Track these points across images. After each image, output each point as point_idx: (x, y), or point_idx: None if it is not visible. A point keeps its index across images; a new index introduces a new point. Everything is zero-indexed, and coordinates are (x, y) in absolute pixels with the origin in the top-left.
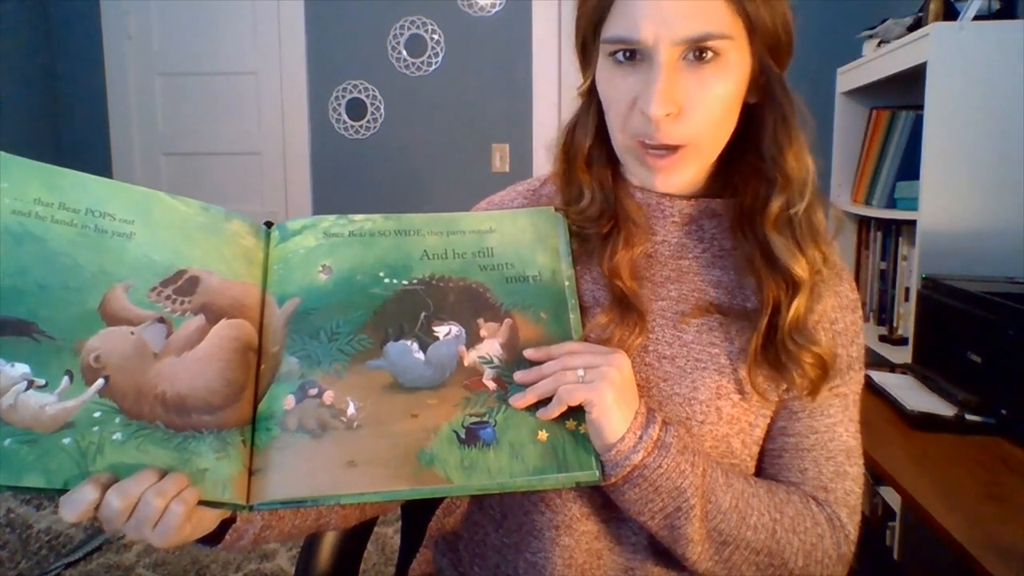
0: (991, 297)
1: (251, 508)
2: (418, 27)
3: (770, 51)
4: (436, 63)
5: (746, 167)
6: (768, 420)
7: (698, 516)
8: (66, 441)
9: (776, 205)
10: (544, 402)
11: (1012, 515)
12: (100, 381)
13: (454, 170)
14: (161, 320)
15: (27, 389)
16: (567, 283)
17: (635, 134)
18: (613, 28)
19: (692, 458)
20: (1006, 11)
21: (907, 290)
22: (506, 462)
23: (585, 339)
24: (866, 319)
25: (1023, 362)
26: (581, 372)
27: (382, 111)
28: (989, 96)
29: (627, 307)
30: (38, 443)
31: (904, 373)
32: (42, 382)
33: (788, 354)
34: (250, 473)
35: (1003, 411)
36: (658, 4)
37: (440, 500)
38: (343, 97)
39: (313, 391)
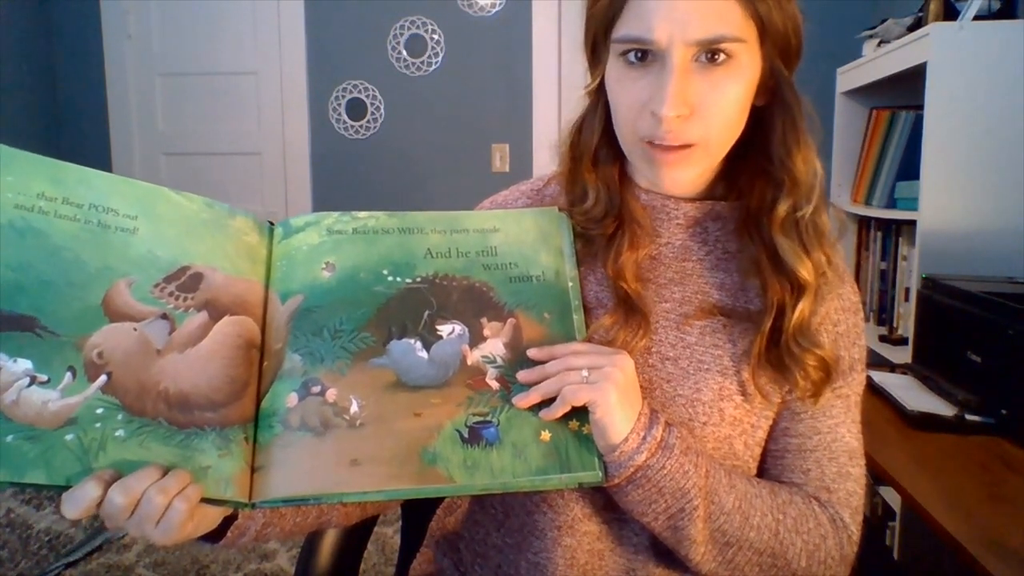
0: (991, 297)
1: (253, 506)
2: (418, 27)
3: (780, 54)
4: (436, 63)
5: (752, 169)
6: (770, 421)
7: (701, 517)
8: (68, 438)
9: (783, 208)
10: (547, 402)
11: (1012, 515)
12: (103, 377)
13: (454, 170)
14: (164, 316)
15: (30, 385)
16: (571, 284)
17: (644, 135)
18: (626, 28)
19: (695, 459)
20: (1006, 11)
21: (907, 290)
22: (509, 462)
23: (589, 340)
24: (866, 319)
25: (1023, 362)
26: (585, 372)
27: (382, 111)
28: (989, 96)
29: (631, 309)
30: (40, 440)
31: (904, 373)
32: (44, 378)
33: (791, 356)
34: (252, 470)
35: (1003, 411)
36: (672, 5)
37: (441, 499)
38: (343, 97)
39: (316, 389)
